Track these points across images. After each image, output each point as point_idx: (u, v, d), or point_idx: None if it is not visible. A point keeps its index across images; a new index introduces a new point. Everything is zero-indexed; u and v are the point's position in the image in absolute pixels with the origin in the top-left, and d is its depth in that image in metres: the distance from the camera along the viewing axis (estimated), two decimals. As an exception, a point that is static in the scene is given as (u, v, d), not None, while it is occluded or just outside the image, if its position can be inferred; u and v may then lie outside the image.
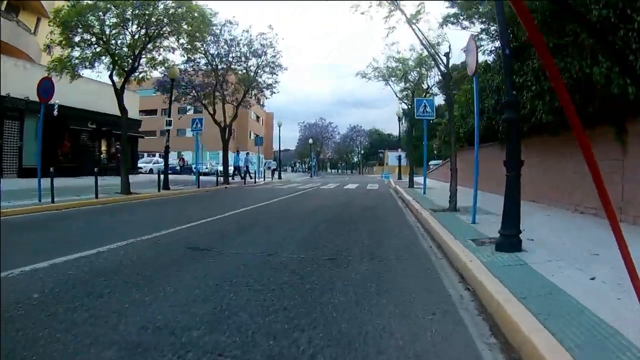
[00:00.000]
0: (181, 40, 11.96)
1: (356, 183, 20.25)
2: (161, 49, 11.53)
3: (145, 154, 38.89)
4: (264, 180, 22.49)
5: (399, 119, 22.22)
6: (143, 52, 10.77)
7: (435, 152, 36.65)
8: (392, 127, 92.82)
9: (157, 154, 41.12)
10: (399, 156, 23.87)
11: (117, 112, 11.04)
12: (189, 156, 40.21)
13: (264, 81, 18.73)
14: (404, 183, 17.26)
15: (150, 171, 26.40)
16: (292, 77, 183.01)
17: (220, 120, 17.81)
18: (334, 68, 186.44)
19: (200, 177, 15.96)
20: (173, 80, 13.38)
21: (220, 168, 31.65)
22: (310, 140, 47.70)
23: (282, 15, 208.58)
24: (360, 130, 65.46)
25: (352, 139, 65.56)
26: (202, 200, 10.65)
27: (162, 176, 11.99)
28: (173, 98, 14.28)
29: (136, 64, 10.83)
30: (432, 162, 34.99)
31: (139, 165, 27.71)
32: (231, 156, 40.32)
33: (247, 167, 21.52)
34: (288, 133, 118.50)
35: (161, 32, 10.86)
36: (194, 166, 31.42)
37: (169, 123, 12.68)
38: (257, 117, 59.48)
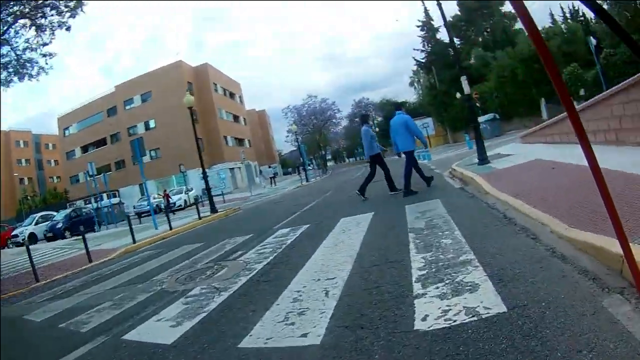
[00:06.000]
0: None
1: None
2: None
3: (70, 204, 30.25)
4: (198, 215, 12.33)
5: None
6: None
7: (478, 104, 23.60)
8: (405, 97, 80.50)
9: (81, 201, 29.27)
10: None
11: None
12: (169, 186, 30.10)
13: None
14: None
15: (30, 239, 15.44)
16: (289, 76, 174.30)
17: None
18: (331, 58, 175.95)
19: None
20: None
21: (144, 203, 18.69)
22: (294, 127, 33.69)
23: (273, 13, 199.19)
24: (369, 104, 52.57)
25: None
26: None
27: None
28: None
29: None
30: (482, 119, 24.82)
31: (14, 233, 18.57)
32: (194, 176, 26.61)
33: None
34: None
35: None
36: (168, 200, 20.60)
37: None
38: (236, 117, 44.15)
